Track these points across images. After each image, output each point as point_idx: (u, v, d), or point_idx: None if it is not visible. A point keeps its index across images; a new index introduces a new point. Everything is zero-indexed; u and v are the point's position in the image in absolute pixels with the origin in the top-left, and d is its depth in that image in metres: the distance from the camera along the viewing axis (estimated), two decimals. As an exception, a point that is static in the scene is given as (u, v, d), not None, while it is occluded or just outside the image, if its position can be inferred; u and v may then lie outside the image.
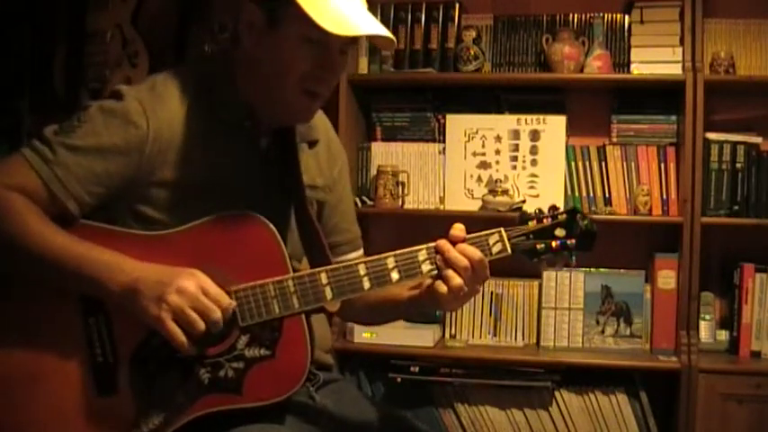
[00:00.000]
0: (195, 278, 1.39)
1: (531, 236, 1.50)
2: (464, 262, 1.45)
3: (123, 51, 3.26)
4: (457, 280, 1.45)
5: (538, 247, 1.50)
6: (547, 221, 1.51)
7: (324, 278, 1.45)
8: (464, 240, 1.48)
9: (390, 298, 1.65)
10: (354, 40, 1.53)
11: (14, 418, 1.45)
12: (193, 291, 1.37)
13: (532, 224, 1.51)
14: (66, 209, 1.45)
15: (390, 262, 1.47)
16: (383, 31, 1.47)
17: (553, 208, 1.52)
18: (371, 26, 1.46)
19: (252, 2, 1.48)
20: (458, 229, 1.49)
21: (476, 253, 1.46)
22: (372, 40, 1.56)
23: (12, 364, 1.45)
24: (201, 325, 1.37)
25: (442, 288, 1.47)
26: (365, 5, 1.51)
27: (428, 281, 1.52)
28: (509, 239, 1.49)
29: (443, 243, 1.48)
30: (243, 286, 1.43)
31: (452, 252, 1.46)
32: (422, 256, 1.48)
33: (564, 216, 1.51)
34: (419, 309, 1.66)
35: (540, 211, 1.52)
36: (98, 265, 1.40)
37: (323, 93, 1.54)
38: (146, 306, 1.38)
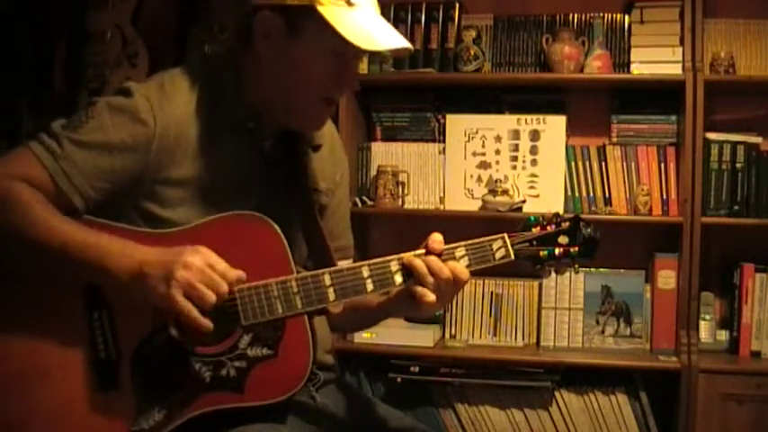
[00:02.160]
0: (200, 253, 1.39)
1: (534, 242, 1.51)
2: (429, 278, 1.46)
3: (123, 51, 3.26)
4: (424, 292, 1.47)
5: (541, 253, 1.51)
6: (550, 228, 1.52)
7: (327, 279, 1.46)
8: (440, 254, 1.48)
9: (362, 304, 1.65)
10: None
11: (16, 413, 1.45)
12: (200, 265, 1.37)
13: (536, 230, 1.52)
14: (71, 203, 1.44)
15: (394, 265, 1.48)
16: (405, 42, 1.49)
17: (557, 215, 1.53)
18: (394, 39, 1.49)
19: (269, 9, 1.48)
20: (435, 242, 1.49)
21: (442, 271, 1.46)
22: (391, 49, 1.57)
23: (14, 358, 1.45)
24: (212, 297, 1.36)
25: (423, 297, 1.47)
26: (378, 11, 1.52)
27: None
28: (512, 245, 1.50)
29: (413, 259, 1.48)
30: (246, 286, 1.43)
31: (421, 267, 1.47)
32: None
33: (567, 223, 1.52)
34: (390, 315, 1.66)
35: (543, 217, 1.53)
36: (104, 252, 1.40)
37: (338, 99, 1.57)
38: (154, 286, 1.37)
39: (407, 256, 1.49)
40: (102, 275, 1.40)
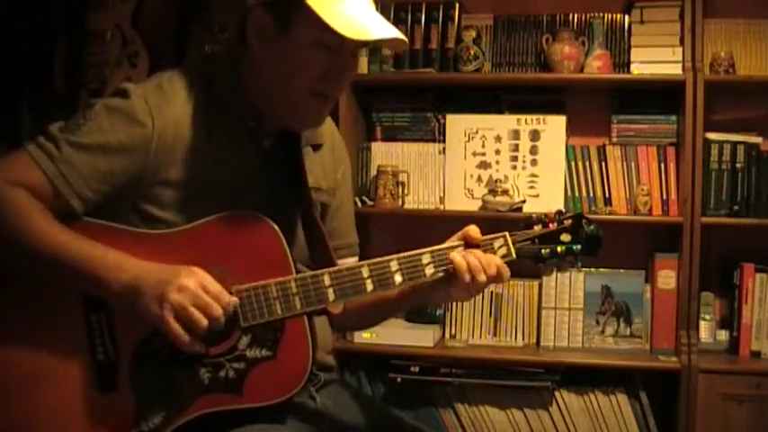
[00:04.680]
0: (195, 276, 1.39)
1: (536, 240, 1.51)
2: (481, 273, 1.47)
3: (123, 51, 3.26)
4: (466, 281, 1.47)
5: (543, 251, 1.51)
6: (552, 226, 1.51)
7: (327, 280, 1.45)
8: (478, 245, 1.49)
9: (383, 297, 1.64)
10: (366, 43, 1.52)
11: (15, 416, 1.45)
12: (194, 288, 1.37)
13: (538, 229, 1.51)
14: (70, 206, 1.45)
15: (394, 265, 1.48)
16: (397, 33, 1.46)
17: (559, 213, 1.52)
18: (385, 30, 1.46)
19: (259, 5, 1.47)
20: (473, 231, 1.50)
21: (491, 264, 1.47)
22: (384, 43, 1.55)
23: (14, 361, 1.45)
24: (204, 322, 1.37)
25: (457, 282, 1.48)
26: (374, 6, 1.50)
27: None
28: (514, 244, 1.50)
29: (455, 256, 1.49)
30: (245, 286, 1.43)
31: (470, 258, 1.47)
32: (426, 259, 1.49)
33: (569, 221, 1.51)
34: (413, 305, 1.66)
35: (545, 215, 1.52)
36: (99, 263, 1.40)
37: (333, 95, 1.54)
38: (147, 305, 1.37)
39: (414, 253, 1.49)
40: (97, 287, 1.41)
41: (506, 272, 1.48)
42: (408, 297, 1.61)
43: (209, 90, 1.54)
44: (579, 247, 1.51)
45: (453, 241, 1.52)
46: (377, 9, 1.51)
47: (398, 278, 1.48)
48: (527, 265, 1.53)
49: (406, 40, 1.49)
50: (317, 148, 1.70)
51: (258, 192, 1.54)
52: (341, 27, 1.39)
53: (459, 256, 1.48)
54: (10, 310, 1.47)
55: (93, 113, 1.47)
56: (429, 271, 1.48)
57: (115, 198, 1.49)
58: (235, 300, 1.42)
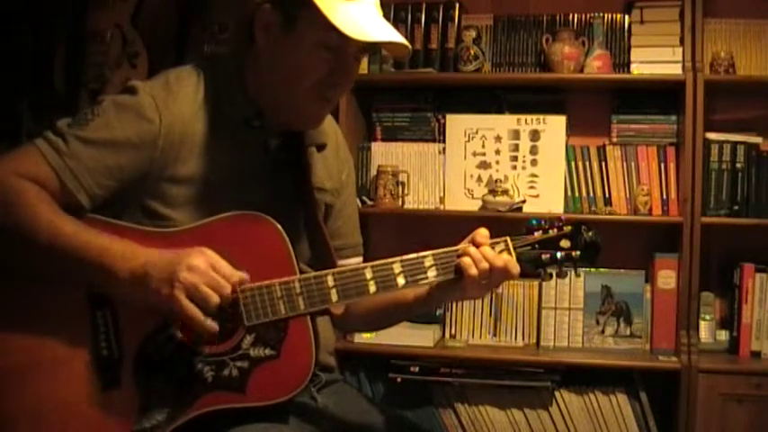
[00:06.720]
0: (204, 255, 1.39)
1: (536, 246, 1.52)
2: (484, 265, 1.48)
3: (123, 51, 3.26)
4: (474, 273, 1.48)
5: (543, 257, 1.52)
6: (552, 232, 1.52)
7: (330, 280, 1.46)
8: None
9: (395, 300, 1.65)
10: (368, 47, 1.53)
11: (18, 408, 1.45)
12: (204, 267, 1.38)
13: (538, 234, 1.53)
14: (77, 201, 1.45)
15: (397, 267, 1.48)
16: (400, 38, 1.48)
17: (558, 219, 1.54)
18: (389, 33, 1.47)
19: (267, 3, 1.48)
20: (482, 236, 1.50)
21: (497, 261, 1.48)
22: (387, 49, 1.56)
23: (18, 354, 1.45)
24: (216, 299, 1.37)
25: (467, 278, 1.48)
26: (380, 12, 1.51)
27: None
28: (514, 249, 1.51)
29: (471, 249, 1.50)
30: (249, 286, 1.43)
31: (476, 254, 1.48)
32: (428, 261, 1.50)
33: (569, 228, 1.53)
34: (426, 307, 1.66)
35: (545, 221, 1.53)
36: (108, 253, 1.40)
37: (334, 98, 1.56)
38: (157, 288, 1.37)
39: (417, 256, 1.49)
40: (105, 276, 1.41)
41: (515, 267, 1.49)
42: (425, 299, 1.61)
43: (216, 88, 1.55)
44: (578, 253, 1.53)
45: (462, 244, 1.53)
46: (379, 6, 1.52)
47: (401, 280, 1.48)
48: (526, 270, 1.53)
49: (409, 46, 1.50)
50: (321, 148, 1.70)
51: (262, 191, 1.55)
52: (344, 28, 1.41)
53: (463, 250, 1.49)
54: (16, 304, 1.47)
55: (101, 109, 1.48)
56: (431, 273, 1.49)
57: (121, 194, 1.49)
58: (245, 276, 1.41)
